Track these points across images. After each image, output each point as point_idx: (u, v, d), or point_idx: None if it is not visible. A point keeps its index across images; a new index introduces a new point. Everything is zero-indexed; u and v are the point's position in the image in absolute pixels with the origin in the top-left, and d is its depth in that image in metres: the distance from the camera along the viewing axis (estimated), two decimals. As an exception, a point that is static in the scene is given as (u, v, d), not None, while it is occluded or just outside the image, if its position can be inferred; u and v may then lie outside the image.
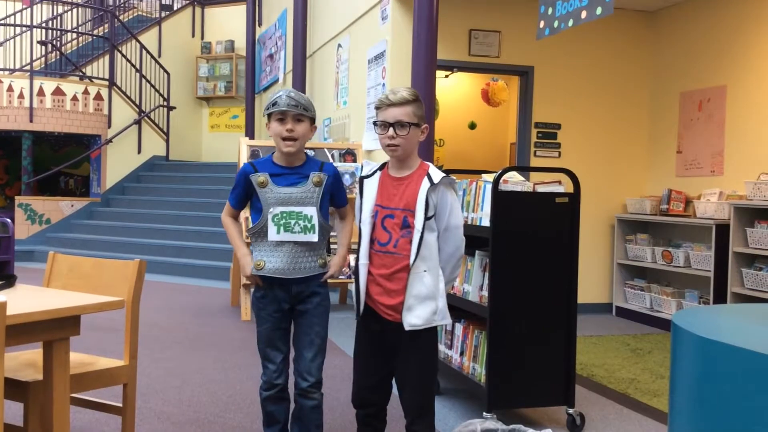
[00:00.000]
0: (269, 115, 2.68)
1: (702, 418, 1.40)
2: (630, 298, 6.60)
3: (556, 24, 4.24)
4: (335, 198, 2.78)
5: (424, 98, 2.96)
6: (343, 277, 6.41)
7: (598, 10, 3.82)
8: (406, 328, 2.44)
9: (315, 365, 2.71)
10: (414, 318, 2.44)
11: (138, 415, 3.23)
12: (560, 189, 3.48)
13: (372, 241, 2.51)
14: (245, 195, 2.72)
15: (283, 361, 2.75)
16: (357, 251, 2.56)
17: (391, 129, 2.45)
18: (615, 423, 3.61)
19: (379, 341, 2.55)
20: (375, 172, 2.58)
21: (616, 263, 6.69)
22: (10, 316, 1.98)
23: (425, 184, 2.44)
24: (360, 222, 2.56)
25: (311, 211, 2.66)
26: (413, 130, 2.45)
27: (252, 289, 2.85)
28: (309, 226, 2.65)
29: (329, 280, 2.79)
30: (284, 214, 2.64)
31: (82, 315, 2.35)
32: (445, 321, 2.52)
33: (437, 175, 2.46)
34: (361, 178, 2.60)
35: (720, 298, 5.45)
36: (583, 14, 3.94)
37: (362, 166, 2.67)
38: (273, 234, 2.64)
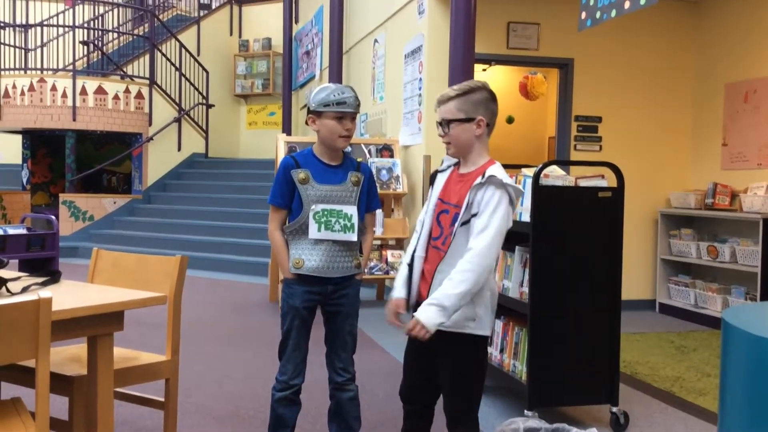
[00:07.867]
0: (320, 111, 2.63)
1: (754, 418, 1.36)
2: (674, 295, 6.47)
3: (598, 15, 4.16)
4: (367, 199, 2.76)
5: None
6: (380, 273, 6.41)
7: (642, 0, 3.73)
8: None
9: (349, 361, 2.76)
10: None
11: (179, 409, 3.26)
12: (603, 183, 3.41)
13: (429, 234, 2.46)
14: (289, 190, 2.67)
15: (303, 361, 2.73)
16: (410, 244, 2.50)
17: (440, 128, 2.44)
18: (660, 422, 3.54)
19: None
20: (449, 167, 2.51)
21: (660, 259, 6.56)
22: (56, 311, 2.00)
23: (477, 180, 2.30)
24: (425, 213, 2.50)
25: (351, 210, 2.66)
26: (458, 125, 2.37)
27: (281, 286, 2.84)
28: (349, 225, 2.66)
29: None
30: (325, 212, 2.64)
31: (126, 310, 2.37)
32: (482, 332, 2.35)
33: (490, 173, 2.27)
34: (435, 172, 2.56)
35: (768, 294, 5.32)
36: (627, 4, 3.85)
37: (443, 161, 2.56)
38: (314, 232, 2.63)
